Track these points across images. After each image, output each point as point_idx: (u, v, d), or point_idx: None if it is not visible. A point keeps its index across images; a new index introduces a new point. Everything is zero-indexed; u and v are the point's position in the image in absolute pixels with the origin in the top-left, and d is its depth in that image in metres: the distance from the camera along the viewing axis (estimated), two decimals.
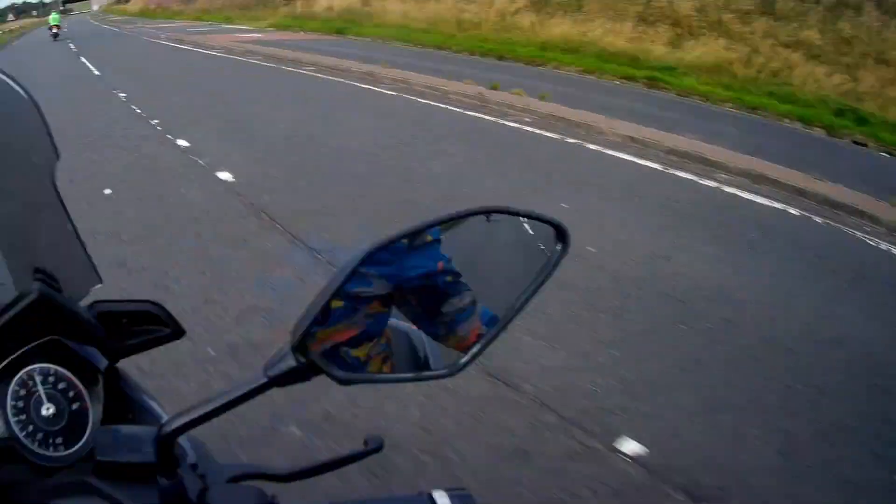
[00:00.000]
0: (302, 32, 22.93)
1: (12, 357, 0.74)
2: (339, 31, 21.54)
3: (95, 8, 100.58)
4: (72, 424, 0.75)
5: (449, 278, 0.59)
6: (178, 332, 0.79)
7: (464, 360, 0.60)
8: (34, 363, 0.75)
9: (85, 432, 0.74)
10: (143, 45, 20.98)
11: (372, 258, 0.55)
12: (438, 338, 0.61)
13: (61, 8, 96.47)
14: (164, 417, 0.72)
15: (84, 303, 0.80)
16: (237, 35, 21.84)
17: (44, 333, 0.75)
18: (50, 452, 0.73)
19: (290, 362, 0.55)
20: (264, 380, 0.56)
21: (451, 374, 0.60)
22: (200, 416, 0.58)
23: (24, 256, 0.80)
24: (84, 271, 0.84)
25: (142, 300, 0.79)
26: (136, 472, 0.60)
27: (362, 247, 0.54)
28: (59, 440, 0.74)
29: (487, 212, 0.60)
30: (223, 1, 35.95)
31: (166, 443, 0.59)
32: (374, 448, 0.67)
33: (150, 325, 0.80)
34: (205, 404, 0.57)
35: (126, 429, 0.63)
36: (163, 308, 0.79)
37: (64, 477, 0.67)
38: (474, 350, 0.60)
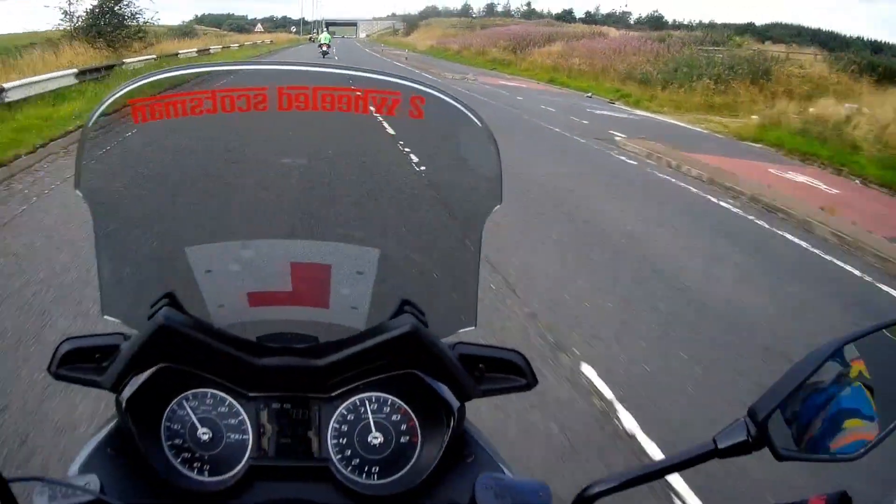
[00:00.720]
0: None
1: (356, 384, 0.80)
2: None
3: (363, 35, 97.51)
4: (395, 456, 0.81)
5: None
6: (532, 384, 0.84)
7: (869, 445, 0.63)
8: (371, 391, 0.80)
9: (406, 466, 0.80)
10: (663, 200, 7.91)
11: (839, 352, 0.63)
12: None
13: (324, 30, 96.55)
14: (503, 465, 0.80)
15: (448, 341, 0.82)
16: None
17: (402, 365, 0.79)
18: (363, 479, 0.80)
19: (743, 436, 0.59)
20: (710, 448, 0.59)
21: (856, 458, 0.63)
22: (628, 481, 0.59)
23: (394, 288, 0.84)
24: (462, 312, 0.85)
25: (507, 348, 0.84)
26: None
27: (834, 339, 0.62)
28: (375, 469, 0.80)
29: None
30: (593, 62, 25.59)
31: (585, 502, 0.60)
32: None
33: (508, 374, 0.84)
34: (636, 469, 0.59)
35: (509, 478, 0.67)
36: (525, 359, 0.84)
37: None
38: (879, 437, 0.63)
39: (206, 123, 0.76)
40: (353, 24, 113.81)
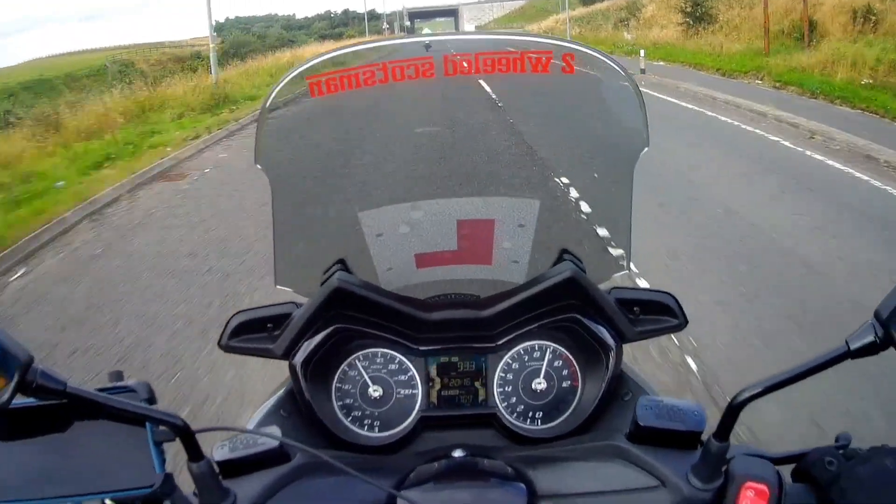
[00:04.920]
0: None
1: (519, 331, 0.84)
2: None
3: (470, 27, 69.02)
4: (557, 401, 0.85)
5: None
6: (684, 324, 0.88)
7: None
8: (533, 340, 0.85)
9: (568, 409, 0.84)
10: None
11: None
12: None
13: (406, 24, 70.26)
14: (652, 393, 0.84)
15: (604, 287, 0.87)
16: None
17: (563, 311, 0.83)
18: (526, 425, 0.84)
19: (871, 337, 0.58)
20: (843, 350, 0.59)
21: None
22: (773, 385, 0.61)
23: (553, 238, 0.89)
24: (612, 258, 0.91)
25: (660, 291, 0.88)
26: (673, 440, 0.66)
27: None
28: (539, 414, 0.84)
29: None
30: None
31: (733, 412, 0.62)
32: None
33: (661, 315, 0.88)
34: (778, 375, 0.61)
35: (667, 400, 0.69)
36: (676, 300, 0.88)
37: (594, 440, 0.74)
38: None
39: (373, 94, 0.80)
40: (451, 11, 78.66)
